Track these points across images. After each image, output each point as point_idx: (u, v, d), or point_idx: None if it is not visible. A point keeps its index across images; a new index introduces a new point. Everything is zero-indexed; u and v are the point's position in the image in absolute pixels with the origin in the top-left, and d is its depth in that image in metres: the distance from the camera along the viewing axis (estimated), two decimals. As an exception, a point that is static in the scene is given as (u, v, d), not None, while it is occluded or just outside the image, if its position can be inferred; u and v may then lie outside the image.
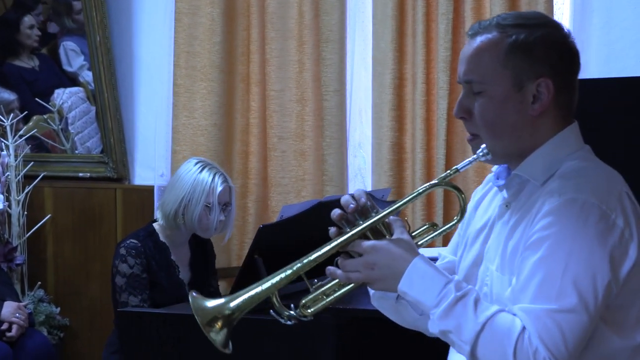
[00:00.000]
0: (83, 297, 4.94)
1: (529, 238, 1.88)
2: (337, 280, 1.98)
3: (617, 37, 4.01)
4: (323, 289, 1.99)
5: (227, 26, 4.55)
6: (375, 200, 2.05)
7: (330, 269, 1.97)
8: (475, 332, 1.83)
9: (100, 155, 4.92)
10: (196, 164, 3.77)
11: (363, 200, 1.98)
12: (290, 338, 2.98)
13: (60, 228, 4.98)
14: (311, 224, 3.35)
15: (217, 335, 1.92)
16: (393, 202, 2.04)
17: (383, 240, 1.95)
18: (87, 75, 4.88)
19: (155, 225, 3.80)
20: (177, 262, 3.78)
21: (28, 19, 4.98)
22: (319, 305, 1.98)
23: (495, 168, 2.09)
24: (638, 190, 2.03)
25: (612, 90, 3.61)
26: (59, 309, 4.87)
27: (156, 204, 4.66)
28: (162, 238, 3.77)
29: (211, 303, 1.94)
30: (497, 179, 2.07)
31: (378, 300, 2.15)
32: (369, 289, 2.08)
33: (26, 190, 4.84)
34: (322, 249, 1.96)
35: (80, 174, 4.98)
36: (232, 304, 1.93)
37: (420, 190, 2.02)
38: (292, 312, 1.98)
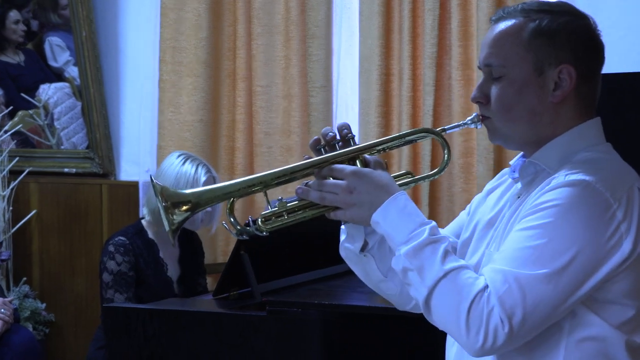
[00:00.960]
0: (68, 293, 4.93)
1: (526, 210, 1.85)
2: (302, 202, 1.94)
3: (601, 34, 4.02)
4: (287, 206, 1.95)
5: (213, 22, 4.55)
6: None
7: (303, 187, 1.93)
8: (436, 278, 1.79)
9: (86, 150, 4.91)
10: (178, 156, 3.80)
11: (345, 131, 1.96)
12: (278, 334, 2.98)
13: (46, 223, 4.97)
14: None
15: (178, 216, 1.93)
16: None
17: (366, 168, 1.93)
18: (72, 71, 4.87)
19: (143, 222, 3.81)
20: (166, 260, 3.78)
21: (14, 14, 4.97)
22: (279, 223, 1.95)
23: (513, 161, 2.04)
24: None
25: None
26: (44, 304, 4.86)
27: (141, 199, 4.66)
28: (150, 235, 3.78)
29: (179, 190, 1.96)
30: (514, 172, 2.03)
31: (345, 251, 2.06)
32: (342, 232, 2.04)
33: (11, 186, 4.83)
34: (298, 164, 1.93)
35: (66, 170, 4.97)
36: (197, 195, 1.94)
37: (406, 132, 2.02)
38: (243, 228, 1.95)
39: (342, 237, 2.05)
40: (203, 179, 3.74)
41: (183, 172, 3.73)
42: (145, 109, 4.76)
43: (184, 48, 4.57)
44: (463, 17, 4.14)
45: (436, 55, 4.16)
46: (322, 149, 1.96)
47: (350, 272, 3.59)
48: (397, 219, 1.86)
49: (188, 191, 1.95)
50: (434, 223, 1.87)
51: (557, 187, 1.82)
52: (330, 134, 1.96)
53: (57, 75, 4.92)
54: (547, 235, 1.78)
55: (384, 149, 2.02)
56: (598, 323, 1.84)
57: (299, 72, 4.45)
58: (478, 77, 4.10)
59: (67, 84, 4.90)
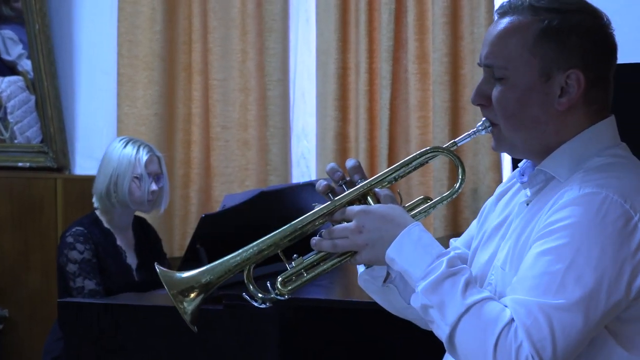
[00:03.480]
0: (23, 288, 4.88)
1: (540, 230, 1.70)
2: (320, 254, 1.82)
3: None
4: (304, 263, 1.82)
5: (168, 14, 4.52)
6: None
7: (315, 238, 1.81)
8: (458, 314, 1.65)
9: (40, 144, 4.87)
10: (120, 141, 3.83)
11: (355, 173, 1.86)
12: (234, 328, 2.97)
13: (0, 219, 4.92)
14: (253, 213, 3.36)
15: (189, 304, 1.80)
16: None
17: (375, 205, 1.81)
18: (26, 64, 4.82)
19: (97, 212, 3.82)
20: (123, 247, 3.79)
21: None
22: (299, 282, 1.81)
23: (521, 164, 1.89)
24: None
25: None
26: (-2, 300, 4.82)
27: (96, 193, 4.63)
28: (106, 224, 3.79)
29: (184, 274, 1.82)
30: (522, 175, 1.87)
31: (365, 282, 1.94)
32: (357, 266, 1.90)
33: (-36, 181, 4.78)
34: (306, 216, 1.81)
35: (20, 164, 4.92)
36: (207, 274, 1.80)
37: (414, 155, 1.87)
38: (266, 295, 1.81)
39: (361, 269, 1.93)
40: (145, 158, 3.76)
41: (125, 154, 3.75)
42: (101, 103, 4.73)
43: (139, 41, 4.54)
44: (419, 11, 4.15)
45: (392, 49, 4.16)
46: (330, 195, 1.83)
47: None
48: (412, 253, 1.73)
49: (192, 273, 1.81)
50: (452, 253, 1.74)
51: (570, 204, 1.68)
52: (338, 173, 1.85)
53: (10, 69, 4.87)
54: (566, 259, 1.64)
55: (394, 179, 1.87)
56: (614, 349, 1.70)
57: (255, 66, 4.44)
58: (434, 70, 4.11)
59: (20, 78, 4.85)
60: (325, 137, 4.31)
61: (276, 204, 3.51)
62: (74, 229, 3.70)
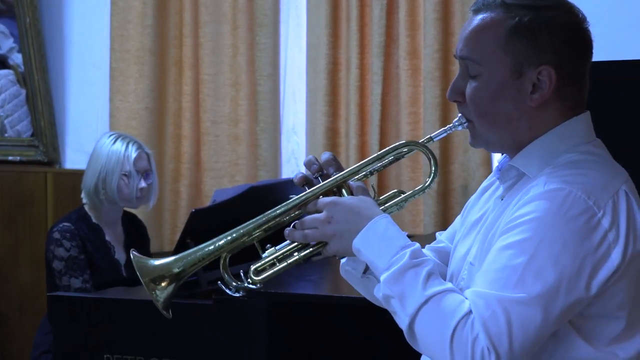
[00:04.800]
0: (13, 283, 4.88)
1: (505, 225, 1.70)
2: (293, 245, 1.84)
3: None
4: (277, 253, 1.85)
5: (159, 9, 4.52)
6: None
7: (288, 229, 1.84)
8: (417, 305, 1.66)
9: (31, 138, 4.86)
10: (109, 136, 3.81)
11: (329, 166, 1.87)
12: (224, 323, 2.98)
13: (-11, 213, 4.91)
14: (243, 209, 3.36)
15: (161, 292, 1.82)
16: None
17: (345, 197, 1.83)
18: (17, 58, 4.81)
19: (85, 207, 3.80)
20: (112, 243, 3.78)
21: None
22: (271, 271, 1.83)
23: (500, 158, 1.89)
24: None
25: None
26: (-13, 295, 4.81)
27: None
28: (94, 219, 3.77)
29: (157, 261, 1.83)
30: (499, 170, 1.88)
31: (346, 273, 1.96)
32: (341, 259, 1.93)
33: (-46, 174, 4.77)
34: (279, 207, 1.84)
35: (10, 158, 4.92)
36: (180, 262, 1.82)
37: (387, 149, 1.89)
38: (239, 284, 1.83)
39: (343, 260, 1.94)
40: (134, 155, 3.74)
41: (114, 150, 3.74)
42: (91, 97, 4.73)
43: (130, 36, 4.54)
44: (410, 7, 4.16)
45: (384, 44, 4.17)
46: (306, 186, 1.86)
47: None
48: (377, 244, 1.74)
49: (164, 261, 1.82)
50: (417, 245, 1.74)
51: (535, 199, 1.68)
52: (314, 166, 1.87)
53: (0, 62, 4.86)
54: (527, 253, 1.64)
55: (370, 172, 1.89)
56: (579, 345, 1.70)
57: (246, 61, 4.44)
58: (425, 66, 4.12)
59: (11, 71, 4.85)
60: (315, 133, 4.31)
61: (266, 199, 3.49)
62: (61, 225, 3.69)
